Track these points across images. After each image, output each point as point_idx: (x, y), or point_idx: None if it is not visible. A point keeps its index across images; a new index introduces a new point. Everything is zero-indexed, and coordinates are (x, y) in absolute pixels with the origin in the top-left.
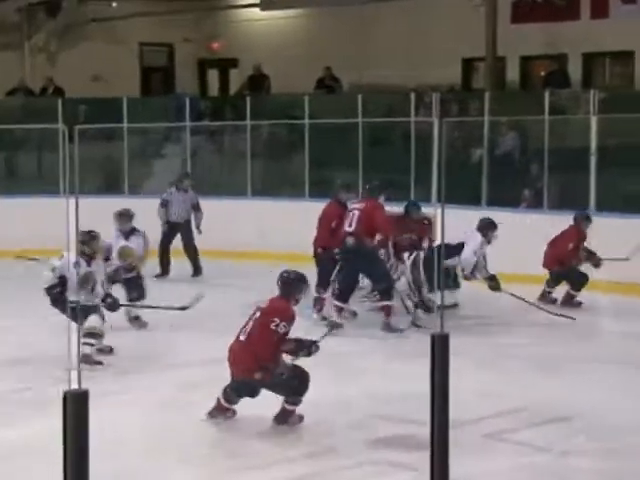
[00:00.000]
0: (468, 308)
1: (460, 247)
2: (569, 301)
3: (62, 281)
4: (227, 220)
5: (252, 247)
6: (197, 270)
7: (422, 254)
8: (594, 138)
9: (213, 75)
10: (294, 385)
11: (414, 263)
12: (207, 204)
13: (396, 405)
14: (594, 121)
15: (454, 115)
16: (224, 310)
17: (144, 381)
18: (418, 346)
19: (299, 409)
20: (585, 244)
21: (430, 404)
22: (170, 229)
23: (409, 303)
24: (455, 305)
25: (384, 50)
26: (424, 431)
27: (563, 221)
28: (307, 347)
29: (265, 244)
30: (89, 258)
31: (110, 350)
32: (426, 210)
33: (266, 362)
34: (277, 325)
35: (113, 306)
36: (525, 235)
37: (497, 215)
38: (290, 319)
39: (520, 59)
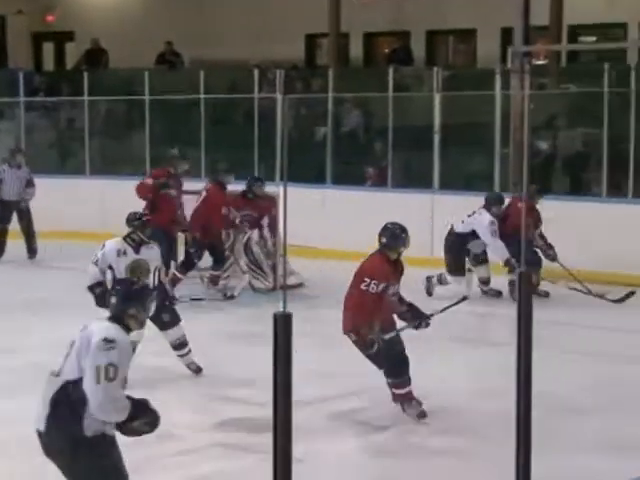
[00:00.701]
0: (315, 287)
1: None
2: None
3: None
4: (65, 200)
5: (92, 227)
6: (32, 252)
7: (256, 235)
8: (437, 116)
9: (48, 49)
10: (390, 360)
11: (246, 244)
12: (43, 183)
13: (239, 387)
14: (437, 99)
15: (298, 92)
16: (57, 296)
17: None
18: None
19: None
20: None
21: (273, 385)
22: (4, 208)
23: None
24: (301, 284)
25: (226, 25)
26: (267, 413)
27: (407, 199)
28: (419, 318)
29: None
30: (137, 245)
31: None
32: (270, 189)
33: (359, 325)
34: (367, 285)
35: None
36: (370, 212)
37: (341, 193)
38: (382, 276)
39: (364, 36)
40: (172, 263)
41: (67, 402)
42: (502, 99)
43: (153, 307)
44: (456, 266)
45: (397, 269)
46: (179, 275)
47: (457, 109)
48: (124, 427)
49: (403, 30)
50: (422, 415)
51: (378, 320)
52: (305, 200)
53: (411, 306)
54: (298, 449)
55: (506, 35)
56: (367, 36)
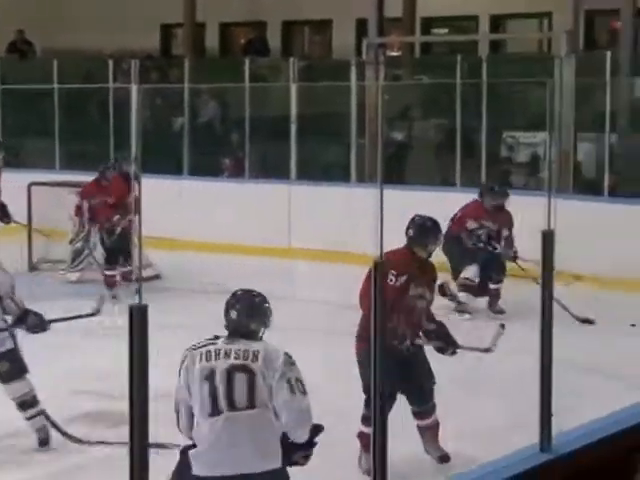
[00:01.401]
0: (171, 279)
1: None
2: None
3: None
4: None
5: None
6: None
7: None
8: (294, 106)
9: None
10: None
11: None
12: None
13: (95, 381)
14: (294, 89)
15: (153, 82)
16: None
17: None
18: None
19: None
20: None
21: (129, 378)
22: None
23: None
24: (157, 276)
25: (80, 14)
26: (123, 405)
27: (264, 189)
28: (445, 341)
29: None
30: None
31: None
32: None
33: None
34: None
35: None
36: (228, 203)
37: (198, 184)
38: (402, 268)
39: (220, 26)
40: None
41: (270, 434)
42: (357, 90)
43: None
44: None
45: (426, 270)
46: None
47: (313, 100)
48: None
49: (259, 20)
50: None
51: (396, 323)
52: (162, 191)
53: (441, 326)
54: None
55: (361, 26)
56: (223, 26)
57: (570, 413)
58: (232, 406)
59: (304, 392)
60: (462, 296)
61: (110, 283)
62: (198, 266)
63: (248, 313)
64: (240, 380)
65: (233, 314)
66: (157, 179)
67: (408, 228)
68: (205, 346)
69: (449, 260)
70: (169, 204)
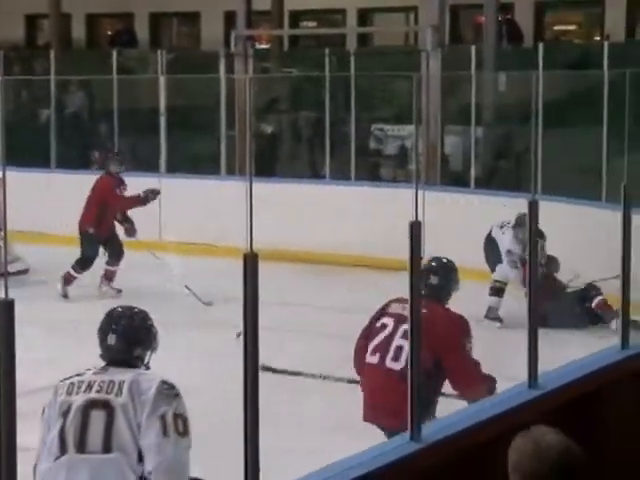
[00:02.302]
0: (42, 273)
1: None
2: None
3: None
4: None
5: None
6: None
7: None
8: (163, 98)
9: None
10: None
11: None
12: None
13: None
14: (162, 81)
15: (18, 74)
16: None
17: None
18: None
19: None
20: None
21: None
22: None
23: None
24: (25, 270)
25: None
26: None
27: (135, 182)
28: None
29: None
30: None
31: None
32: None
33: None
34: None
35: None
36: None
37: (67, 177)
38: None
39: (86, 16)
40: None
41: None
42: (226, 82)
43: None
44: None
45: None
46: (74, 274)
47: (182, 92)
48: None
49: (127, 12)
50: None
51: None
52: (29, 184)
53: None
54: (23, 439)
55: (229, 19)
56: (90, 17)
57: None
58: (81, 448)
59: (183, 433)
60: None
61: None
62: (67, 259)
63: (128, 337)
64: (97, 418)
65: (110, 339)
66: (24, 172)
67: (429, 273)
68: (73, 377)
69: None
70: (36, 197)
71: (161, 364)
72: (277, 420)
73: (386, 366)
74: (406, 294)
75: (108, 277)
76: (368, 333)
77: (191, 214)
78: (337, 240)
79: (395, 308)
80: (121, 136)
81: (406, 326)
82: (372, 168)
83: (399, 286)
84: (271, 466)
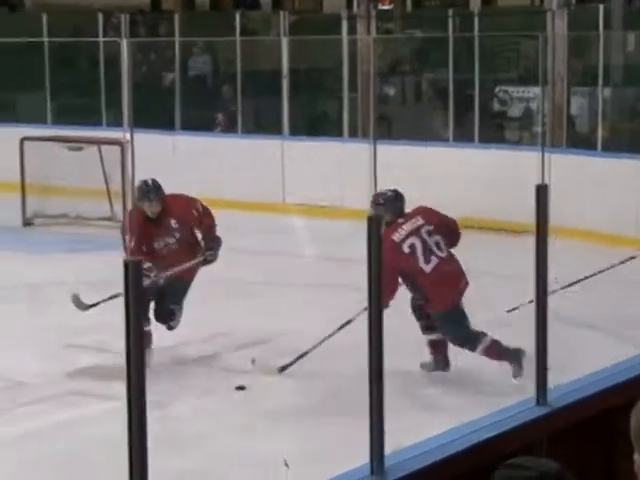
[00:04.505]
0: None
1: None
2: None
3: None
4: None
5: None
6: None
7: None
8: (285, 61)
9: None
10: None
11: None
12: None
13: (91, 335)
14: (285, 43)
15: (144, 37)
16: None
17: None
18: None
19: None
20: None
21: (125, 332)
22: None
23: None
24: None
25: None
26: (120, 360)
27: (257, 145)
28: None
29: None
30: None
31: None
32: (118, 134)
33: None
34: None
35: None
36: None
37: (191, 139)
38: None
39: None
40: None
41: None
42: (349, 44)
43: None
44: None
45: None
46: None
47: (305, 54)
48: None
49: None
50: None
51: None
52: (154, 146)
53: None
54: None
55: None
56: None
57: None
58: None
59: None
60: None
61: None
62: None
63: None
64: None
65: None
66: (149, 134)
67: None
68: None
69: None
70: (162, 160)
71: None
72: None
73: (444, 259)
74: (527, 257)
75: None
76: (401, 260)
77: (313, 176)
78: (459, 203)
79: (403, 232)
80: (244, 98)
81: (425, 228)
82: (496, 130)
83: (521, 249)
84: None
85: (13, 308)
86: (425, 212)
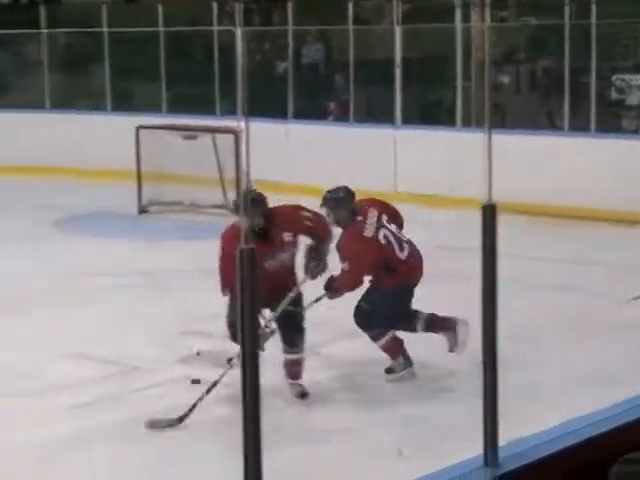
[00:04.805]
0: None
1: None
2: None
3: None
4: (26, 134)
5: (56, 162)
6: None
7: None
8: (398, 49)
9: None
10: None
11: None
12: (2, 117)
13: (206, 321)
14: (398, 32)
15: (257, 25)
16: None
17: None
18: None
19: None
20: None
21: (239, 319)
22: None
23: None
24: None
25: None
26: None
27: (369, 133)
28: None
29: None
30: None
31: None
32: (232, 123)
33: None
34: None
35: None
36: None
37: (303, 127)
38: None
39: None
40: None
41: None
42: (462, 32)
43: None
44: None
45: None
46: None
47: (418, 42)
48: None
49: None
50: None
51: None
52: (267, 134)
53: None
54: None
55: None
56: None
57: None
58: None
59: None
60: None
61: None
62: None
63: None
64: None
65: None
66: (262, 122)
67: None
68: None
69: None
70: (275, 148)
71: None
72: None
73: (409, 242)
74: None
75: None
76: (386, 252)
77: (426, 165)
78: (574, 192)
79: (370, 227)
80: (356, 87)
81: (384, 218)
82: (613, 119)
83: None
84: None
85: (130, 294)
86: (372, 204)
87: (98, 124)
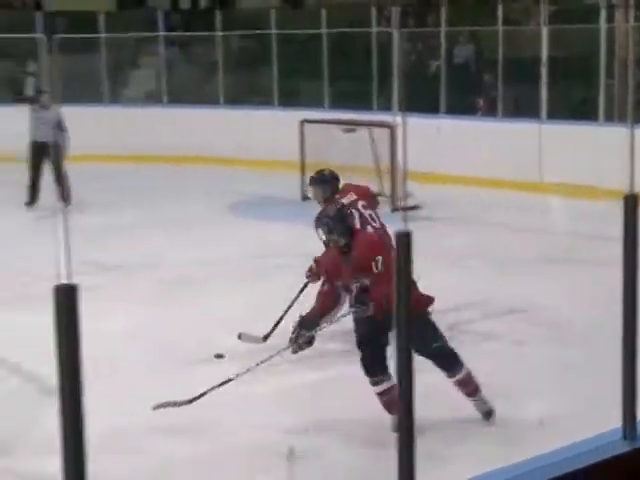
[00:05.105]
0: (431, 209)
1: None
2: None
3: None
4: (203, 128)
5: (229, 153)
6: (66, 198)
7: None
8: (545, 49)
9: None
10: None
11: None
12: (182, 113)
13: None
14: (545, 32)
15: (412, 27)
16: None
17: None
18: None
19: None
20: None
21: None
22: (35, 151)
23: None
24: (417, 206)
25: None
26: None
27: (516, 128)
28: None
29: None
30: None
31: None
32: (388, 118)
33: None
34: None
35: None
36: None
37: (454, 123)
38: None
39: None
40: None
41: None
42: (607, 32)
43: None
44: None
45: None
46: None
47: (564, 42)
48: None
49: None
50: None
51: None
52: (421, 129)
53: None
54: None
55: None
56: None
57: None
58: None
59: None
60: None
61: None
62: (455, 198)
63: None
64: None
65: None
66: (416, 118)
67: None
68: None
69: None
70: (427, 142)
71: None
72: None
73: (377, 228)
74: None
75: None
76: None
77: (570, 158)
78: None
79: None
80: (504, 84)
81: (360, 203)
82: None
83: None
84: None
85: (291, 276)
86: (355, 189)
87: (266, 119)
